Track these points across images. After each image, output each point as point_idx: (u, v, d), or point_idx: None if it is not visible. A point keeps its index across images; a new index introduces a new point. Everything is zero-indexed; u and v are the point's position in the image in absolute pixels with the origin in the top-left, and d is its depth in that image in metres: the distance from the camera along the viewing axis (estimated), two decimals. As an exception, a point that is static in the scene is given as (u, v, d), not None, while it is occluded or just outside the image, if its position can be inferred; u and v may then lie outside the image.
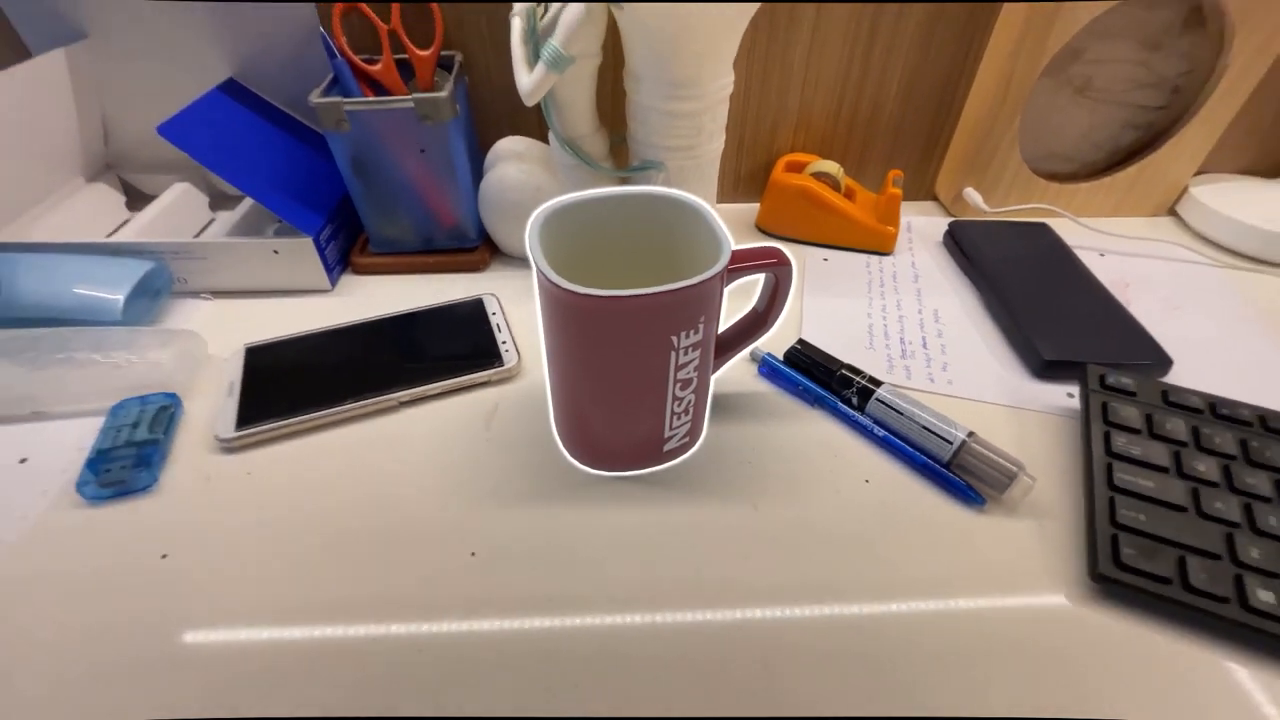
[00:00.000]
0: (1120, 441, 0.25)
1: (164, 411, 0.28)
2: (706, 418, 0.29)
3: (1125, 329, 0.33)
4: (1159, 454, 0.25)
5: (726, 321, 0.28)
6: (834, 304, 0.36)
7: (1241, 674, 0.21)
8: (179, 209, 0.39)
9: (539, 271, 0.23)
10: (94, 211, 0.39)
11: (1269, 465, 0.24)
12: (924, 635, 0.22)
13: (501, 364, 0.31)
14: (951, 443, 0.26)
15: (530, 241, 0.24)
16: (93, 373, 0.29)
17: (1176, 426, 0.26)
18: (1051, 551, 0.24)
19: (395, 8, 0.35)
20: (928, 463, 0.26)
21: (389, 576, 0.23)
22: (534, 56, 0.31)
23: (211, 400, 0.29)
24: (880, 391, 0.28)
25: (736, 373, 0.32)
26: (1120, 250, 0.41)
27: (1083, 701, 0.20)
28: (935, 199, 0.45)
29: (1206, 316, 0.35)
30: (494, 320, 0.33)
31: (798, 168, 0.41)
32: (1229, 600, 0.21)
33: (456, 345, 0.32)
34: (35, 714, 0.20)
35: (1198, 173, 0.43)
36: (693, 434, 0.29)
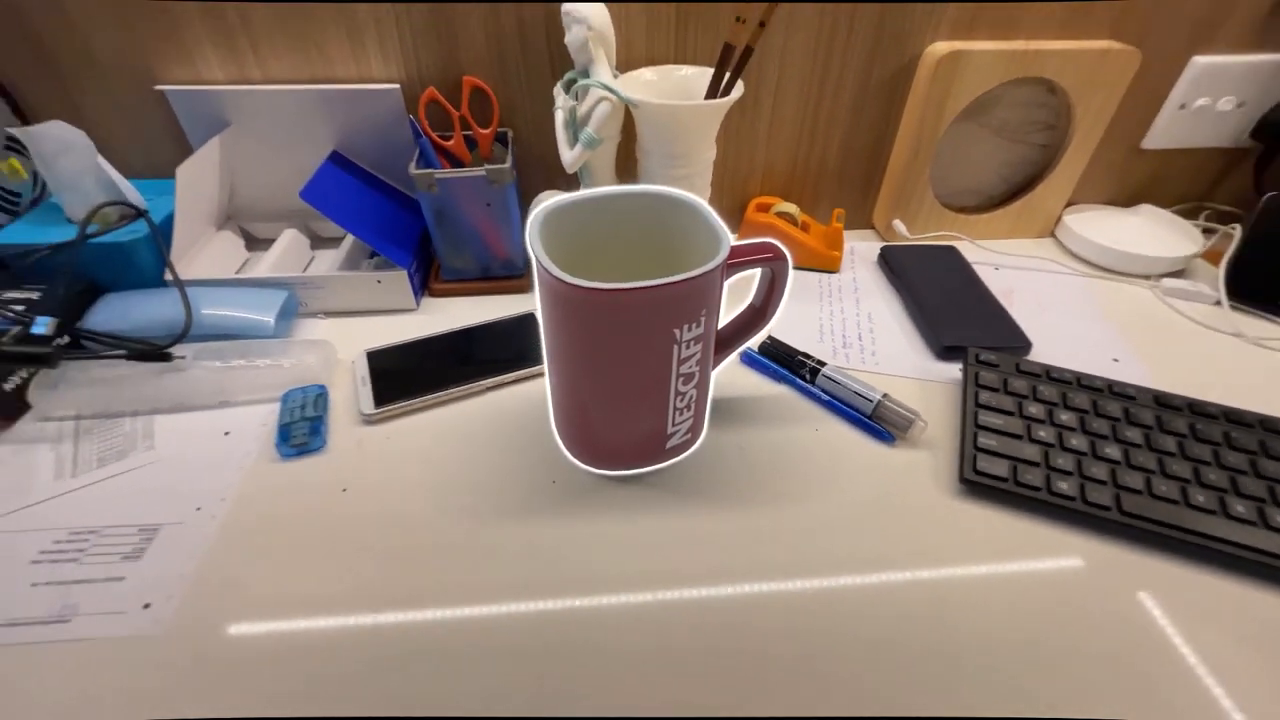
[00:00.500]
0: (984, 396, 0.38)
1: (320, 397, 0.39)
2: (708, 414, 0.36)
3: (1002, 323, 0.45)
4: (1007, 404, 0.37)
5: (723, 319, 0.35)
6: (795, 310, 0.48)
7: (1050, 534, 0.33)
8: (290, 250, 0.51)
9: (540, 267, 0.26)
10: (224, 253, 0.50)
11: (1078, 409, 0.37)
12: (851, 521, 0.33)
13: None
14: (871, 401, 0.38)
15: (531, 238, 0.27)
16: (264, 372, 0.40)
17: (1020, 386, 0.38)
18: (939, 469, 0.36)
19: (465, 97, 0.46)
20: (856, 415, 0.38)
21: (483, 503, 0.35)
22: (573, 138, 0.43)
23: (348, 389, 0.41)
24: (825, 370, 0.40)
25: (726, 372, 0.44)
26: (1010, 265, 0.54)
27: (952, 553, 0.32)
28: (873, 228, 0.58)
29: (1064, 314, 0.48)
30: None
31: (765, 208, 0.53)
32: (1041, 489, 0.33)
33: (516, 348, 0.44)
34: (289, 590, 0.31)
35: (1071, 204, 0.57)
36: (694, 430, 0.34)
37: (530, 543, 0.33)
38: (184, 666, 0.28)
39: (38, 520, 0.33)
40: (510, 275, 0.50)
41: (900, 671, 0.27)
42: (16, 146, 0.46)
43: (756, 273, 0.34)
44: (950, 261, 0.52)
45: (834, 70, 0.49)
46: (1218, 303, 0.49)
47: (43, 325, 0.38)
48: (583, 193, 0.32)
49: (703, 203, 0.32)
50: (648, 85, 0.44)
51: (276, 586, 0.30)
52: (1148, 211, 0.56)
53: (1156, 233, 0.54)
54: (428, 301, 0.49)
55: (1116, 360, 0.44)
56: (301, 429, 0.37)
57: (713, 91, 0.42)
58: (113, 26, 0.45)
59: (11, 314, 0.38)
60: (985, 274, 0.51)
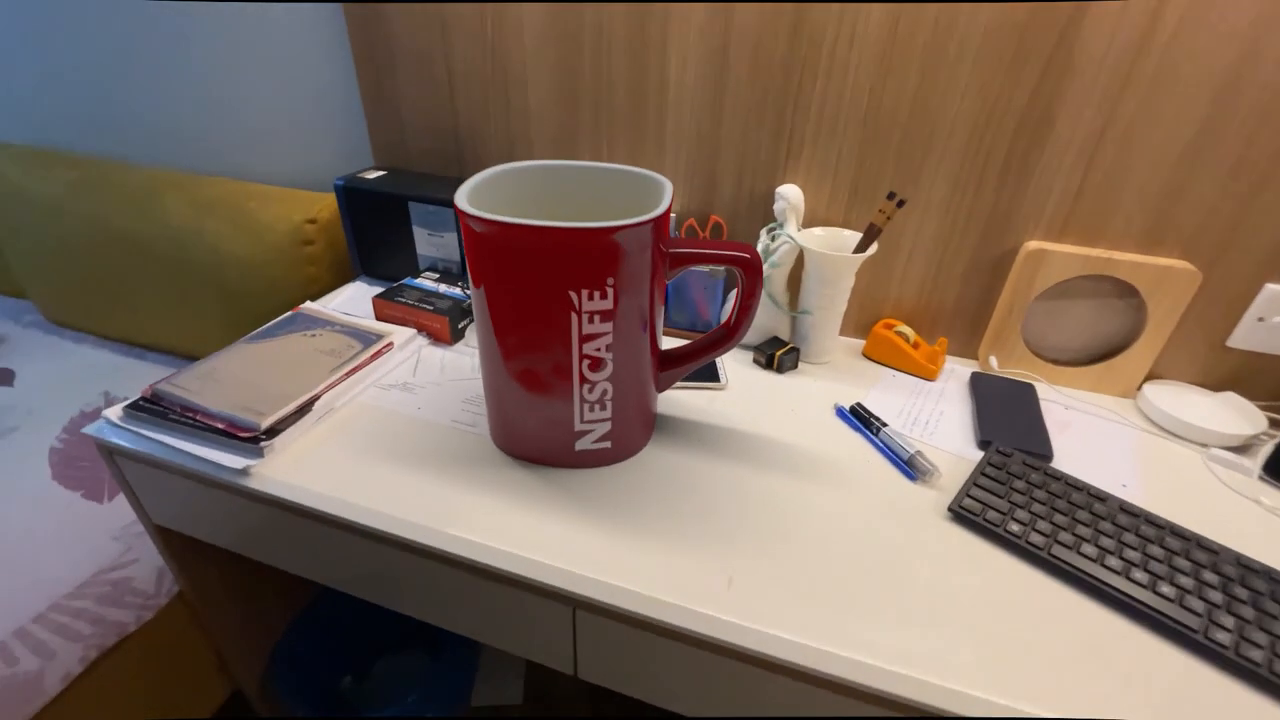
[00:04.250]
0: (989, 469, 0.57)
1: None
2: (645, 433, 0.53)
3: (1036, 436, 0.62)
4: (1002, 477, 0.56)
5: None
6: (888, 395, 0.70)
7: (996, 557, 0.51)
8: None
9: (456, 207, 0.34)
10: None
11: (1052, 493, 0.54)
12: (876, 519, 0.55)
13: (719, 381, 0.70)
14: (908, 451, 0.59)
15: (459, 194, 0.36)
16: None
17: (1017, 469, 0.56)
18: (938, 503, 0.56)
19: (709, 226, 0.79)
20: (896, 459, 0.60)
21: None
22: (763, 260, 0.73)
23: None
24: (886, 429, 0.62)
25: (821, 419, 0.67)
26: (1080, 409, 0.69)
27: (929, 560, 0.52)
28: (976, 358, 0.77)
29: (1102, 448, 0.63)
30: (720, 365, 0.73)
31: (889, 326, 0.77)
32: (998, 525, 0.51)
33: (705, 371, 0.72)
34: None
35: (1157, 377, 0.70)
36: (616, 442, 0.43)
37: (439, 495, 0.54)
38: (516, 461, 0.60)
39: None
40: (704, 330, 0.80)
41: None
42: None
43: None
44: (1023, 393, 0.70)
45: (953, 246, 0.72)
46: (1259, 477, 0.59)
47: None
48: (519, 164, 0.54)
49: (655, 176, 0.50)
50: (817, 238, 0.72)
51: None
52: (1229, 398, 0.67)
53: (1225, 413, 0.66)
54: (655, 336, 0.81)
55: (1124, 485, 0.58)
56: (580, 381, 0.70)
57: (858, 249, 0.69)
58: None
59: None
60: (1053, 409, 0.68)
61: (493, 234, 0.45)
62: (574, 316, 0.47)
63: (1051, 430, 0.64)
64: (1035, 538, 0.50)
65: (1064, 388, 0.72)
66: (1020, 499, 0.54)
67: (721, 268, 0.76)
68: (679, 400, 0.68)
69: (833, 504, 0.55)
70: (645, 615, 0.45)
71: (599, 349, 0.50)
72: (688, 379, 0.70)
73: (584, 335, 0.48)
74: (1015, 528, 0.51)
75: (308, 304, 0.79)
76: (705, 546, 0.50)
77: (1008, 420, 0.65)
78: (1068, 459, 0.61)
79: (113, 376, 1.13)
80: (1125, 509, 0.53)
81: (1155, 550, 0.49)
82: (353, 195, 0.85)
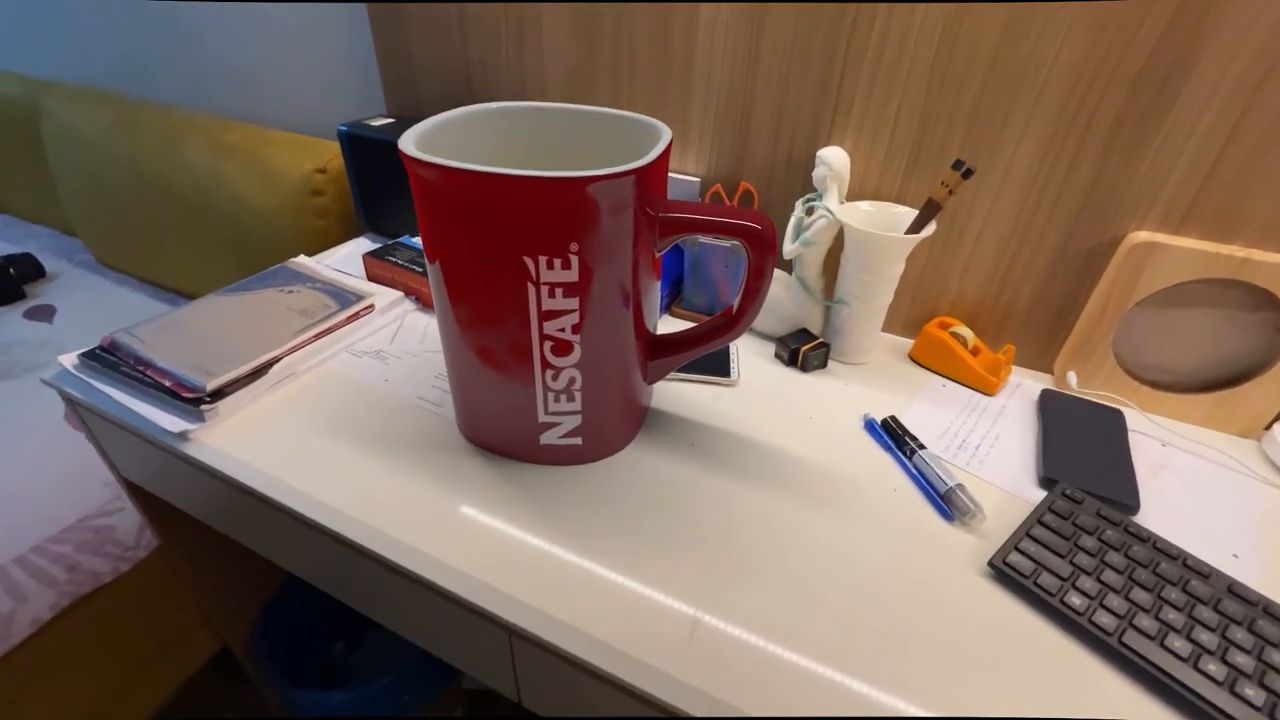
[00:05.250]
0: (1049, 518, 0.45)
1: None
2: (628, 430, 0.47)
3: (1119, 479, 0.49)
4: (1066, 530, 0.44)
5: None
6: (933, 409, 0.58)
7: (1045, 634, 0.39)
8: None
9: (409, 157, 0.32)
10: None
11: (1135, 559, 0.41)
12: (894, 564, 0.44)
13: (728, 376, 0.60)
14: (946, 484, 0.48)
15: (407, 135, 0.34)
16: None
17: (1088, 523, 0.44)
18: (976, 553, 0.44)
19: (738, 195, 0.68)
20: (931, 491, 0.48)
21: (657, 442, 0.54)
22: (795, 236, 0.62)
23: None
24: (922, 452, 0.51)
25: (846, 438, 0.56)
26: (1180, 447, 0.55)
27: (953, 627, 0.41)
28: (1050, 372, 0.64)
29: (1209, 505, 0.49)
30: (732, 356, 0.63)
31: (945, 326, 0.64)
32: (1054, 595, 0.40)
33: (713, 362, 0.62)
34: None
35: (1291, 416, 0.55)
36: (589, 439, 0.39)
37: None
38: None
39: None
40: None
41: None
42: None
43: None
44: (1106, 421, 0.56)
45: (1034, 233, 0.58)
46: None
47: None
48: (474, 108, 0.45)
49: (650, 125, 0.43)
50: (863, 213, 0.60)
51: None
52: (1395, 451, 0.52)
53: (1388, 472, 0.50)
54: (666, 319, 0.71)
55: (1236, 557, 0.45)
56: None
57: (912, 229, 0.57)
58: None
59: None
60: (1145, 446, 0.54)
61: (436, 180, 0.38)
62: (530, 288, 0.39)
63: (1140, 473, 0.50)
64: (1103, 618, 0.38)
65: (1163, 418, 0.58)
66: (1087, 562, 0.42)
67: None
68: (677, 394, 0.58)
69: (841, 539, 0.45)
70: (582, 660, 0.37)
71: (563, 329, 0.42)
72: (691, 370, 0.60)
73: (544, 312, 0.41)
74: (1077, 600, 0.39)
75: (299, 258, 0.74)
76: (673, 577, 0.42)
77: (1082, 455, 0.52)
78: (1159, 514, 0.47)
79: (142, 320, 1.14)
80: (1236, 592, 0.40)
81: (1277, 657, 0.36)
82: (356, 143, 0.79)
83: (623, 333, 0.45)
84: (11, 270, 1.19)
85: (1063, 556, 0.42)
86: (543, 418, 0.47)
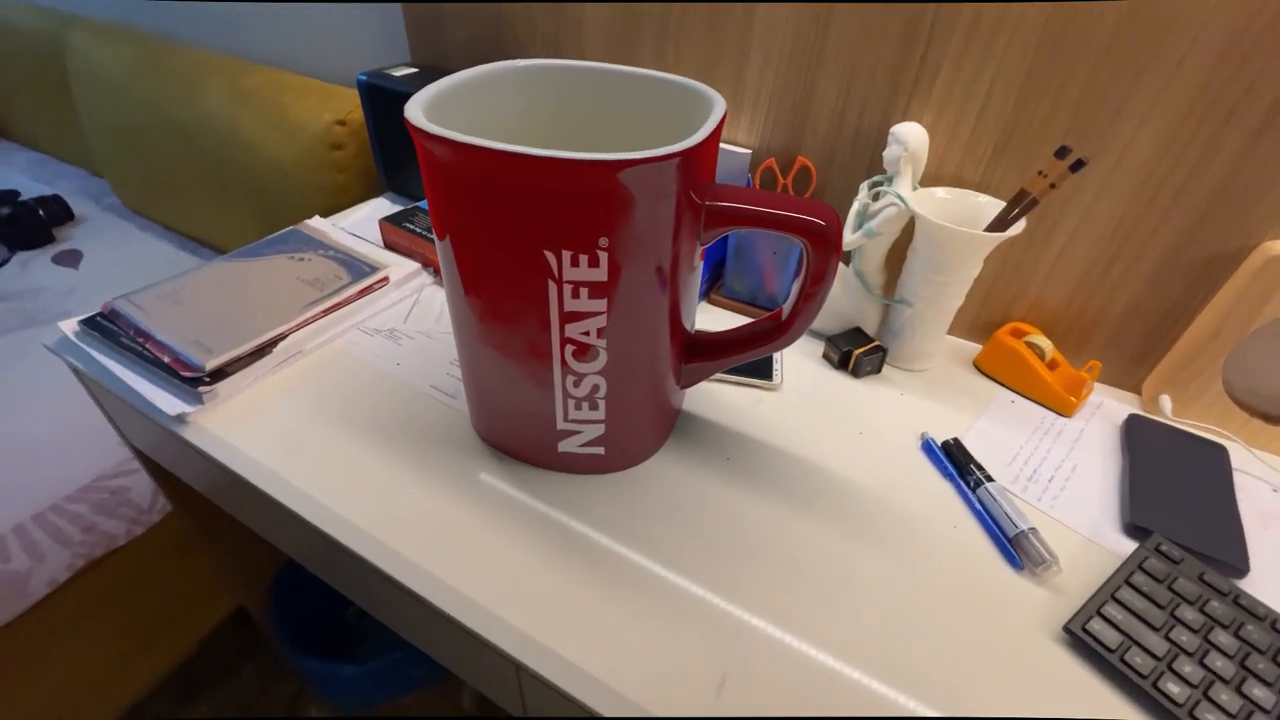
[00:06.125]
0: (1139, 579, 0.38)
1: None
2: (655, 438, 0.43)
3: (1225, 535, 0.43)
4: (1161, 596, 0.37)
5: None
6: (1000, 429, 0.52)
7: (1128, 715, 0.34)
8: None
9: (414, 128, 0.28)
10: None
11: (1249, 642, 0.35)
12: (949, 618, 0.39)
13: (771, 380, 0.54)
14: (1017, 528, 0.41)
15: (414, 101, 0.29)
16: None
17: (1189, 590, 0.38)
18: (1048, 613, 0.38)
19: (793, 171, 0.60)
20: (997, 533, 0.42)
21: (687, 452, 0.48)
22: (857, 225, 0.54)
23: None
24: (989, 484, 0.44)
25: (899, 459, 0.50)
26: (1294, 493, 0.47)
27: (1019, 706, 0.36)
28: (1138, 393, 0.56)
29: (1329, 566, 0.42)
30: (776, 357, 0.57)
31: (1019, 334, 0.56)
32: (1146, 677, 0.34)
33: (755, 362, 0.56)
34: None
35: None
36: (612, 448, 0.36)
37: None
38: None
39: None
40: (768, 308, 0.63)
41: (910, 714, 0.34)
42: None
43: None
44: (1208, 458, 0.49)
45: (1141, 235, 0.50)
46: None
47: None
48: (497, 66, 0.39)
49: (701, 93, 0.36)
50: (939, 202, 0.52)
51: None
52: None
53: None
54: (705, 306, 0.65)
55: (1361, 638, 0.38)
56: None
57: (995, 225, 0.49)
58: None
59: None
60: (1253, 489, 0.47)
61: (445, 156, 0.32)
62: (552, 285, 0.34)
63: (1249, 525, 0.44)
64: (1208, 714, 0.33)
65: (1276, 457, 0.50)
66: (1188, 640, 0.35)
67: (799, 229, 0.57)
68: (713, 396, 0.53)
69: (890, 582, 0.40)
70: (590, 707, 0.33)
71: (587, 333, 0.36)
72: (730, 371, 0.54)
73: (566, 313, 0.35)
74: (1175, 689, 0.34)
75: (313, 220, 0.69)
76: (699, 614, 0.37)
77: (1178, 498, 0.45)
78: (1273, 578, 0.41)
79: (166, 270, 1.12)
80: (1368, 690, 0.34)
81: None
82: (377, 95, 0.73)
83: (655, 337, 0.39)
84: (41, 213, 1.17)
85: (1157, 630, 0.36)
86: (562, 425, 0.42)
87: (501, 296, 0.37)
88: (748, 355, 0.43)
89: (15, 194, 1.20)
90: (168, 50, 1.04)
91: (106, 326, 0.53)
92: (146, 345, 0.50)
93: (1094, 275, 0.53)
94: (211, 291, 0.56)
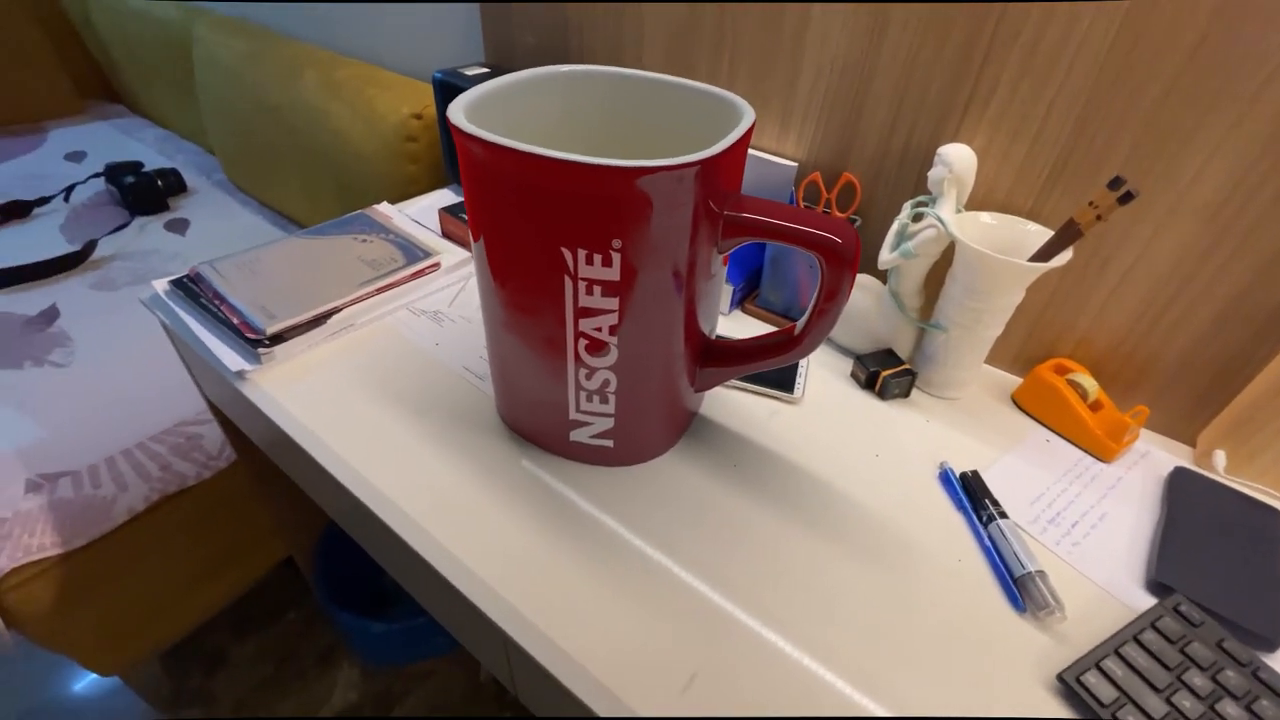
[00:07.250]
0: (1149, 637, 0.36)
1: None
2: (667, 437, 0.43)
3: (1262, 605, 0.39)
4: (1170, 658, 0.35)
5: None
6: (1029, 468, 0.49)
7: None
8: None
9: (453, 126, 0.30)
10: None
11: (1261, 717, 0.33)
12: (942, 652, 0.38)
13: (792, 393, 0.54)
14: (1024, 569, 0.40)
15: (457, 102, 0.32)
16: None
17: (1203, 656, 0.35)
18: (1045, 658, 0.37)
19: (838, 187, 0.60)
20: (1003, 571, 0.41)
21: (697, 454, 0.49)
22: (895, 245, 0.53)
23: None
24: (1002, 521, 0.43)
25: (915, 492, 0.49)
26: (1357, 571, 0.43)
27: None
28: (1191, 445, 0.52)
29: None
30: (801, 369, 0.57)
31: (1062, 371, 0.54)
32: (1137, 740, 0.33)
33: (778, 372, 0.56)
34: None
35: None
36: (620, 442, 0.37)
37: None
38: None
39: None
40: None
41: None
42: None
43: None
44: (1258, 520, 0.45)
45: (1204, 276, 0.47)
46: None
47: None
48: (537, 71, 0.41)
49: (731, 102, 0.37)
50: (983, 226, 0.51)
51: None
52: None
53: None
54: (738, 314, 0.66)
55: None
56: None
57: (1040, 255, 0.47)
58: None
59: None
60: (1306, 559, 0.43)
61: (476, 153, 0.35)
62: (567, 281, 0.36)
63: (1291, 598, 0.40)
64: (1198, 785, 0.31)
65: (1338, 530, 0.45)
66: (1192, 705, 0.33)
67: (836, 244, 0.57)
68: (731, 403, 0.53)
69: (885, 603, 0.39)
70: (565, 686, 0.35)
71: (599, 329, 0.38)
72: (750, 380, 0.54)
73: (580, 309, 0.37)
74: (1166, 754, 0.32)
75: (380, 205, 0.74)
76: (683, 613, 0.38)
77: (1214, 559, 0.42)
78: (1307, 654, 0.38)
79: (258, 242, 1.23)
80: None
81: None
82: (448, 92, 0.77)
83: (668, 338, 0.41)
84: (159, 183, 1.31)
85: (1159, 691, 0.34)
86: (573, 415, 0.44)
87: (523, 288, 0.39)
88: (759, 365, 0.44)
89: (139, 165, 1.34)
90: (273, 42, 1.14)
91: (190, 288, 0.59)
92: (221, 307, 0.56)
93: (1149, 315, 0.50)
94: (282, 263, 0.61)
